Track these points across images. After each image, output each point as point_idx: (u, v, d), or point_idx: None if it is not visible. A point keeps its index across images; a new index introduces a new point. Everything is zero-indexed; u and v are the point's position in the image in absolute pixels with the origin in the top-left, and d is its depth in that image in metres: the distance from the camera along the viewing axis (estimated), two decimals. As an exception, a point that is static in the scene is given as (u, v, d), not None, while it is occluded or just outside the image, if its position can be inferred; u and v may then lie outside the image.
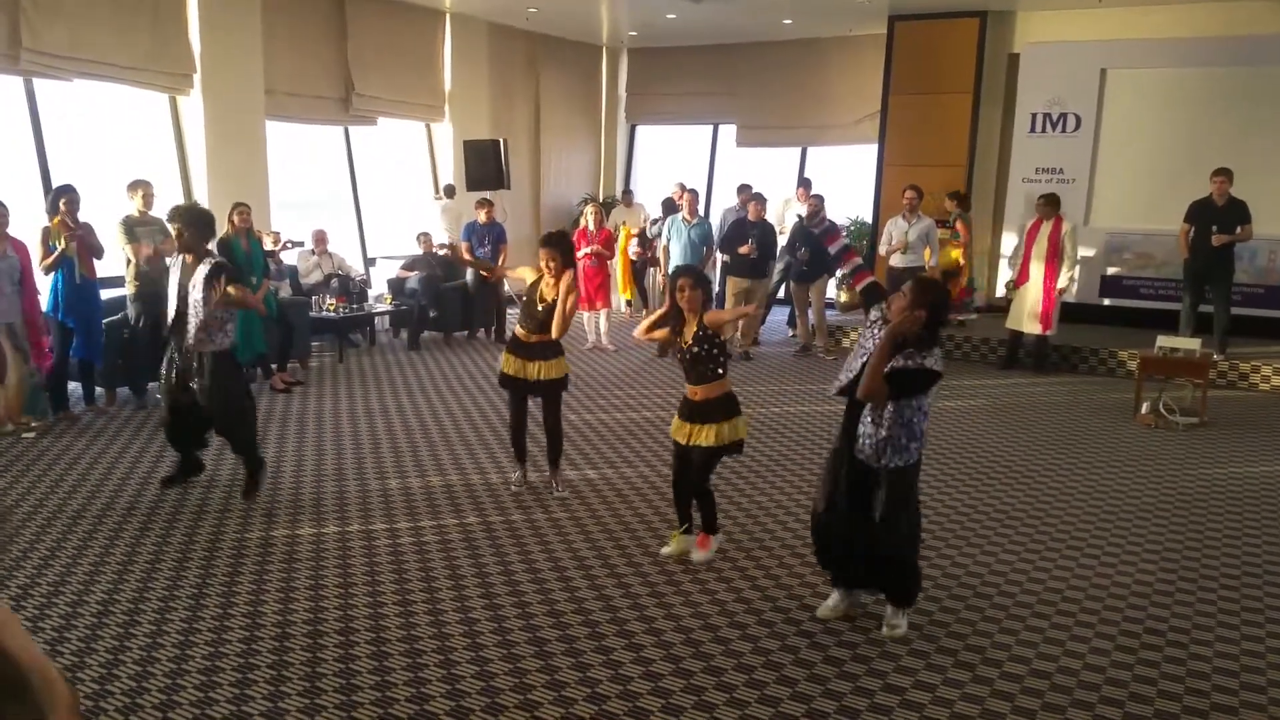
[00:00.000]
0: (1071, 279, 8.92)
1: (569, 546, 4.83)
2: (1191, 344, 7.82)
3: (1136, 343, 8.94)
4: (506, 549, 4.78)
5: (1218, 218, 8.68)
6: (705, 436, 4.48)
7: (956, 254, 10.30)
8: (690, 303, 4.47)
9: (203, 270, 5.17)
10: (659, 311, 4.65)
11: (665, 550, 4.70)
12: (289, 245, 9.00)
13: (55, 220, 6.78)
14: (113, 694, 3.39)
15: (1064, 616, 4.14)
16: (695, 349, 4.47)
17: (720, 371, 4.51)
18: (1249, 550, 4.95)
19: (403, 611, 4.08)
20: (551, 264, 5.23)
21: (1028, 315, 9.03)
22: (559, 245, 5.29)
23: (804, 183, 11.90)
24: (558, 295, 5.22)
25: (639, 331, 4.69)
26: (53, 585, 4.26)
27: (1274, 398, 8.50)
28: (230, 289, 5.15)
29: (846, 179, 12.98)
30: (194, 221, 5.24)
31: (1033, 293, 8.92)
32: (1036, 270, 8.88)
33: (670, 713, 3.34)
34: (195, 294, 5.16)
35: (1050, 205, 8.88)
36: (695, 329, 4.47)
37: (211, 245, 5.42)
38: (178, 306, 5.26)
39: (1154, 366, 7.78)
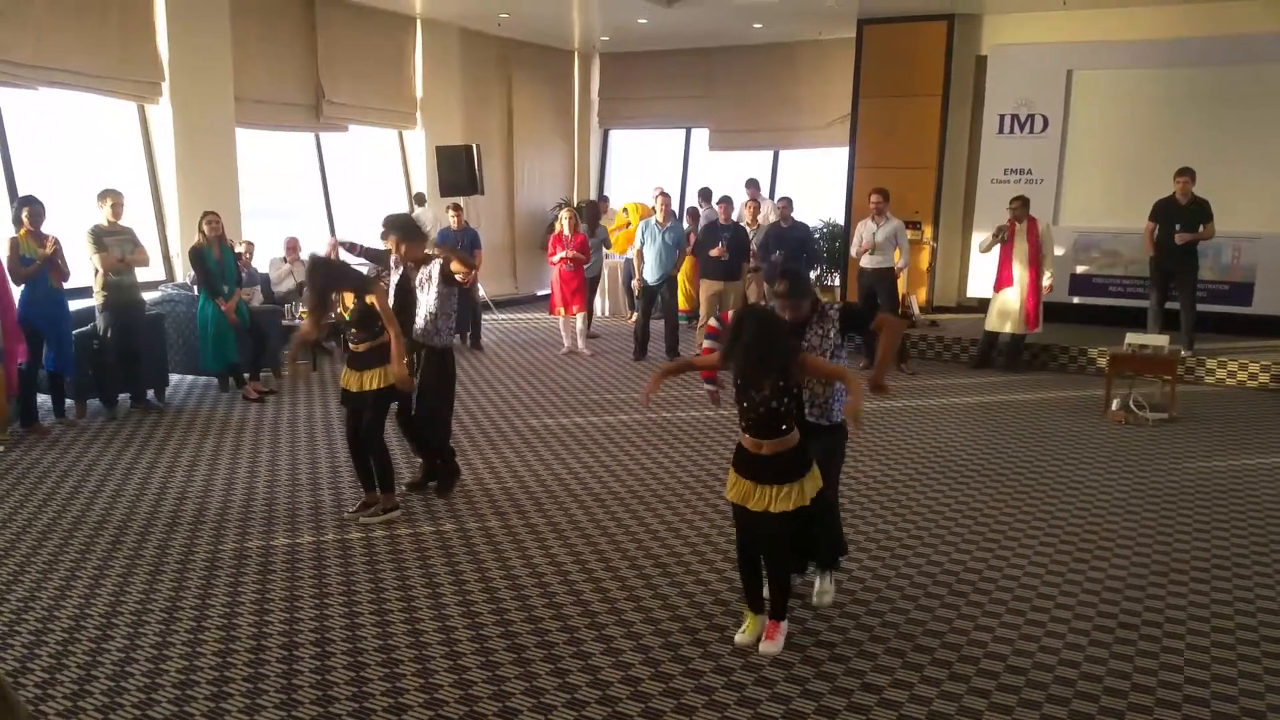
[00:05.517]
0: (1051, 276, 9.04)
1: (545, 551, 4.82)
2: (1159, 340, 7.95)
3: (1106, 340, 9.07)
4: (483, 555, 4.77)
5: (1181, 216, 8.81)
6: (782, 500, 3.63)
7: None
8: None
9: (435, 266, 5.51)
10: (712, 357, 3.59)
11: (739, 638, 3.87)
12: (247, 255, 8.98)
13: (23, 231, 6.69)
14: (86, 710, 3.35)
15: (1038, 613, 4.19)
16: (774, 403, 3.49)
17: (793, 426, 3.64)
18: (1218, 543, 5.03)
19: (379, 620, 4.06)
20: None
21: (1012, 316, 9.10)
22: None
23: (751, 183, 12.10)
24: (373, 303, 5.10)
25: (668, 368, 3.72)
26: (23, 600, 4.20)
27: (1241, 392, 8.62)
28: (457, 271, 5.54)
29: (818, 182, 13.06)
30: (407, 232, 5.60)
31: (1017, 294, 9.00)
32: (1020, 272, 8.94)
33: (649, 717, 3.34)
34: (424, 293, 5.53)
35: (1025, 206, 8.97)
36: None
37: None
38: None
39: (1123, 363, 7.88)
